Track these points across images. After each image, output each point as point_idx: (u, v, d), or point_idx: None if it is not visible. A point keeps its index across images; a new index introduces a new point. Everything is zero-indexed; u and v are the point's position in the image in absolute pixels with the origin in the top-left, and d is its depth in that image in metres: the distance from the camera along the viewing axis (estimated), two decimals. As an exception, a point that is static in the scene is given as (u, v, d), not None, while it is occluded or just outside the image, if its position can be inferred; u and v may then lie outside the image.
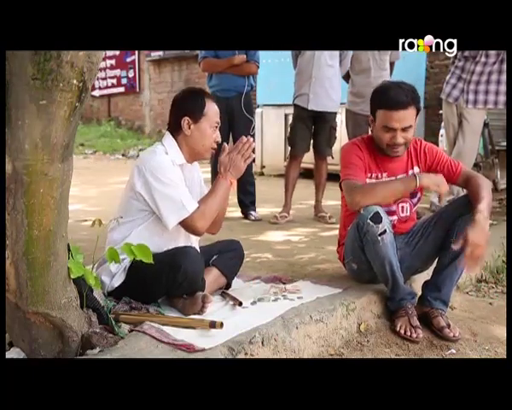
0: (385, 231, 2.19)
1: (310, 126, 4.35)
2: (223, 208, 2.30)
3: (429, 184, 2.24)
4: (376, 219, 2.19)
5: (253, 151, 2.27)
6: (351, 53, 4.37)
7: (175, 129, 2.25)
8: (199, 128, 2.21)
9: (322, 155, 4.39)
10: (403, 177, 2.36)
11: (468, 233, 2.06)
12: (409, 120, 2.27)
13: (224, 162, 2.22)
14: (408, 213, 2.48)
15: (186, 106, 2.23)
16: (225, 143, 2.30)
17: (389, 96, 2.27)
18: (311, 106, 4.25)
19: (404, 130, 2.28)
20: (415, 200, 2.46)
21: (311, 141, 4.40)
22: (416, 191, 2.45)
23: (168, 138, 2.25)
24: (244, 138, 2.23)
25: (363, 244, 2.27)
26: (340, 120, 4.90)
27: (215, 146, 2.28)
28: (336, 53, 4.27)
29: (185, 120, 2.20)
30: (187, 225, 2.14)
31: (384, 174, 2.41)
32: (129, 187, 2.19)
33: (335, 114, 4.40)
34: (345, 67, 4.39)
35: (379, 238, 2.19)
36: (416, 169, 2.42)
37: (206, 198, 2.21)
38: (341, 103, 4.49)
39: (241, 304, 2.15)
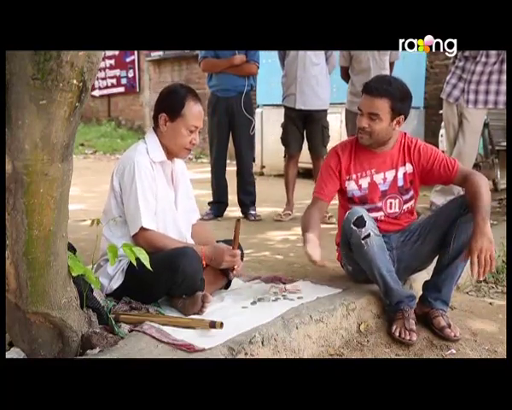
0: (369, 234, 2.19)
1: (300, 127, 4.39)
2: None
3: None
4: (360, 223, 2.20)
5: (242, 258, 2.29)
6: (336, 51, 4.37)
7: (155, 124, 2.25)
8: (173, 128, 2.20)
9: (318, 156, 4.41)
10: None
11: (471, 243, 2.07)
12: (374, 108, 2.30)
13: (218, 252, 2.20)
14: (397, 210, 2.44)
15: (166, 103, 2.23)
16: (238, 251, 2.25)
17: (367, 82, 2.38)
18: (299, 105, 4.29)
19: (371, 117, 2.31)
20: (406, 196, 2.43)
21: (306, 143, 4.43)
22: (408, 188, 2.44)
23: (150, 135, 2.25)
24: (238, 253, 2.22)
25: (351, 248, 2.28)
26: (340, 119, 4.89)
27: (190, 147, 2.24)
28: (321, 51, 4.28)
29: (162, 117, 2.21)
30: (133, 235, 2.14)
31: (372, 170, 2.42)
32: (110, 184, 2.22)
33: (325, 111, 4.41)
34: (332, 64, 4.41)
35: (362, 242, 2.19)
36: (408, 166, 2.42)
37: (168, 238, 2.18)
38: (340, 103, 4.49)
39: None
